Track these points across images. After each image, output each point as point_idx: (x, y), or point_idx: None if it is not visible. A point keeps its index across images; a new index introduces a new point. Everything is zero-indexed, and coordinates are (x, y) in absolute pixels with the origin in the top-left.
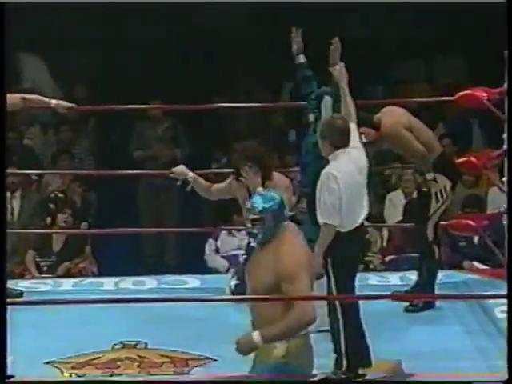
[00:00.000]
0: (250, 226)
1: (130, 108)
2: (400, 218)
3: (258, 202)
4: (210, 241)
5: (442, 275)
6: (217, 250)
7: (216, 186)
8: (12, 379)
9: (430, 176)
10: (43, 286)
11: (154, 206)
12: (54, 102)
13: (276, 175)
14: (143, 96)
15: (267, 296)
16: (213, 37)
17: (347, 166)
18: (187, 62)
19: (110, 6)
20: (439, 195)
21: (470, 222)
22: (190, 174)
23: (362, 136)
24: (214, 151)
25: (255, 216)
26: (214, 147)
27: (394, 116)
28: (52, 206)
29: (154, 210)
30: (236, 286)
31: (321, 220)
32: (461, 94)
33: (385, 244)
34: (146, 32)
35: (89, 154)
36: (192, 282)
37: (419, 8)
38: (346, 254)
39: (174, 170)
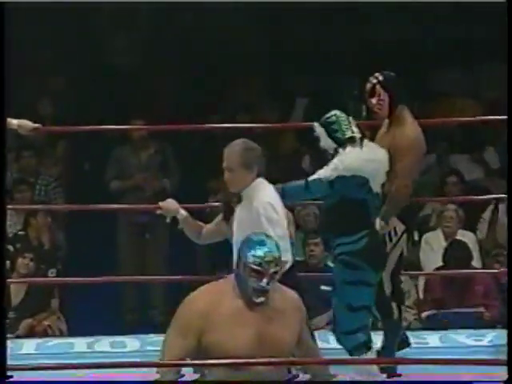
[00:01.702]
0: (265, 281)
1: (108, 129)
2: (440, 263)
3: (275, 250)
4: None
5: (492, 335)
6: None
7: (207, 227)
8: (12, 379)
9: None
10: None
11: (136, 249)
12: (15, 121)
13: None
14: (124, 114)
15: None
16: (207, 42)
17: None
18: (178, 74)
19: (85, 11)
20: (391, 235)
21: None
22: (182, 211)
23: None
24: (211, 181)
25: (276, 268)
26: (211, 176)
27: (418, 131)
28: (10, 247)
29: (136, 254)
30: None
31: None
32: None
33: (421, 296)
34: (131, 38)
35: (57, 185)
36: None
37: (462, 8)
38: None
39: (161, 204)
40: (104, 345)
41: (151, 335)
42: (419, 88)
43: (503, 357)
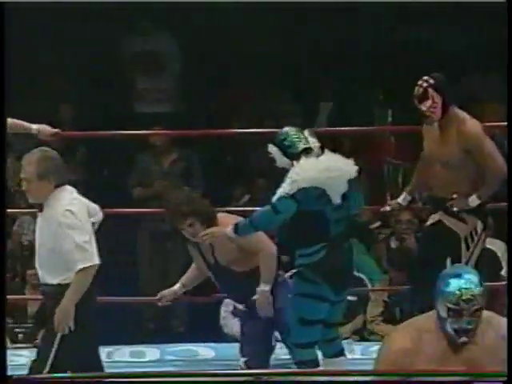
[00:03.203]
0: (465, 320)
1: (128, 134)
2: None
3: (473, 284)
4: (226, 301)
5: None
6: (234, 313)
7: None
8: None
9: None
10: (17, 358)
11: (157, 257)
12: (35, 126)
13: (221, 217)
14: (146, 120)
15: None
16: (230, 48)
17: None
18: (201, 79)
19: (108, 16)
20: (470, 240)
21: None
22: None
23: None
24: (234, 187)
25: (478, 305)
26: (234, 183)
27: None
28: (27, 254)
29: (157, 263)
30: (245, 362)
31: (77, 267)
32: None
33: None
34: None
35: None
36: (204, 352)
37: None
38: None
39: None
40: (123, 354)
41: (171, 345)
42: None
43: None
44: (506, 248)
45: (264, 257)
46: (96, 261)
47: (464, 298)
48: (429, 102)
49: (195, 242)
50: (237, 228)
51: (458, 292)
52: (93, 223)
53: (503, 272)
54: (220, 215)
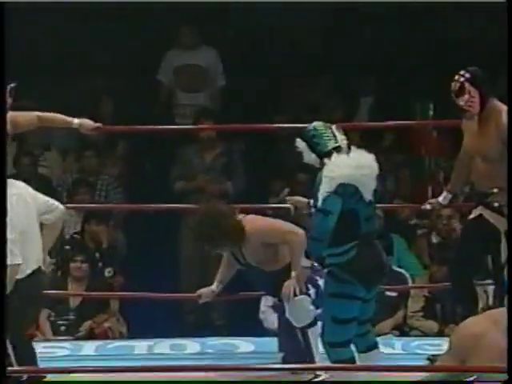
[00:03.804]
0: None
1: (169, 129)
2: None
3: None
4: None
5: None
6: (274, 307)
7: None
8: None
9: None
10: (60, 350)
11: (197, 252)
12: (76, 121)
13: (248, 219)
14: (187, 114)
15: None
16: (272, 43)
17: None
18: (244, 74)
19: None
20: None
21: None
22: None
23: None
24: (275, 182)
25: None
26: (274, 177)
27: None
28: (68, 248)
29: (198, 257)
30: (283, 357)
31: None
32: None
33: (490, 302)
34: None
35: (117, 185)
36: (244, 346)
37: None
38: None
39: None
40: (164, 347)
41: (211, 338)
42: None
43: None
44: None
45: (292, 249)
46: (15, 260)
47: None
48: (466, 97)
49: None
50: (307, 254)
51: None
52: (47, 219)
53: None
54: (247, 217)
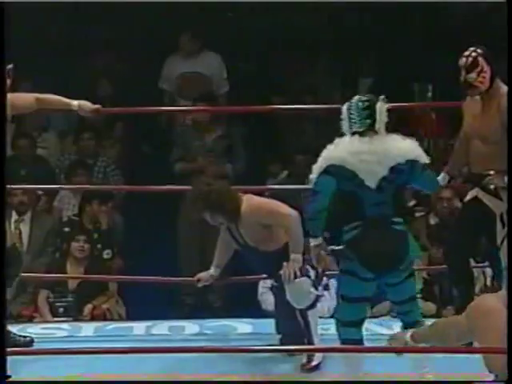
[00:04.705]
0: None
1: (167, 110)
2: None
3: None
4: None
5: None
6: (272, 289)
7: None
8: (11, 379)
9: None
10: (58, 331)
11: (196, 233)
12: (75, 102)
13: (247, 199)
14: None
15: None
16: (271, 25)
17: None
18: (243, 56)
19: None
20: (506, 217)
21: None
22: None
23: None
24: (272, 164)
25: None
26: (272, 159)
27: None
28: (67, 229)
29: (197, 238)
30: (280, 339)
31: None
32: None
33: (488, 284)
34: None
35: (115, 167)
36: (242, 327)
37: None
38: None
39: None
40: (162, 328)
41: (210, 320)
42: None
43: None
44: None
45: (289, 230)
46: None
47: None
48: (476, 72)
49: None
50: (308, 232)
51: None
52: None
53: None
54: (245, 197)
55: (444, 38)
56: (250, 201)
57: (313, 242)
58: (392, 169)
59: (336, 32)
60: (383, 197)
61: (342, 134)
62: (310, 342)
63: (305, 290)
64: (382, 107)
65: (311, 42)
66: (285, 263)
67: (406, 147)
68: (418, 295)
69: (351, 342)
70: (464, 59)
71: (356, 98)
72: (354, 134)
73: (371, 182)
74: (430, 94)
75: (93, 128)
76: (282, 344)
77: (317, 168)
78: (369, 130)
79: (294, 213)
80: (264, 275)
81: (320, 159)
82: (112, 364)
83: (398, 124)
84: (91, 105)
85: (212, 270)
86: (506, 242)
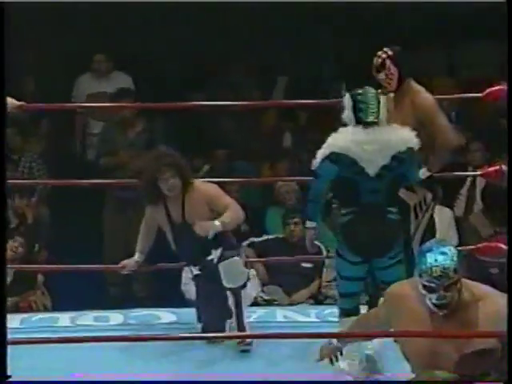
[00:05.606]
0: (435, 296)
1: (92, 106)
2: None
3: (445, 260)
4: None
5: None
6: (195, 278)
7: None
8: (11, 379)
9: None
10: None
11: (119, 225)
12: None
13: (200, 184)
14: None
15: None
16: (195, 22)
17: None
18: (165, 51)
19: None
20: (418, 209)
21: (502, 244)
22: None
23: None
24: (194, 159)
25: (451, 280)
26: (194, 154)
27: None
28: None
29: (119, 231)
30: (202, 327)
31: None
32: (490, 89)
33: None
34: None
35: (41, 162)
36: (166, 316)
37: None
38: None
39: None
40: (87, 319)
41: (134, 310)
42: None
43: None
44: (452, 215)
45: (230, 211)
46: None
47: (435, 274)
48: (384, 73)
49: (163, 200)
50: (308, 216)
51: (429, 269)
52: None
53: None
54: (198, 182)
55: (366, 33)
56: (205, 184)
57: (309, 224)
58: (393, 157)
59: (254, 31)
60: (380, 185)
61: (250, 130)
62: (241, 322)
63: (238, 269)
64: (383, 100)
65: (232, 40)
66: (213, 250)
67: (406, 135)
68: (333, 283)
69: (349, 311)
70: (375, 59)
71: (365, 89)
72: (357, 123)
73: (371, 170)
74: (344, 93)
75: (17, 124)
76: (203, 332)
77: (320, 154)
78: (375, 120)
79: (238, 206)
80: (187, 262)
81: (324, 145)
82: (39, 355)
83: (314, 121)
84: (15, 101)
85: (136, 256)
86: (418, 233)
